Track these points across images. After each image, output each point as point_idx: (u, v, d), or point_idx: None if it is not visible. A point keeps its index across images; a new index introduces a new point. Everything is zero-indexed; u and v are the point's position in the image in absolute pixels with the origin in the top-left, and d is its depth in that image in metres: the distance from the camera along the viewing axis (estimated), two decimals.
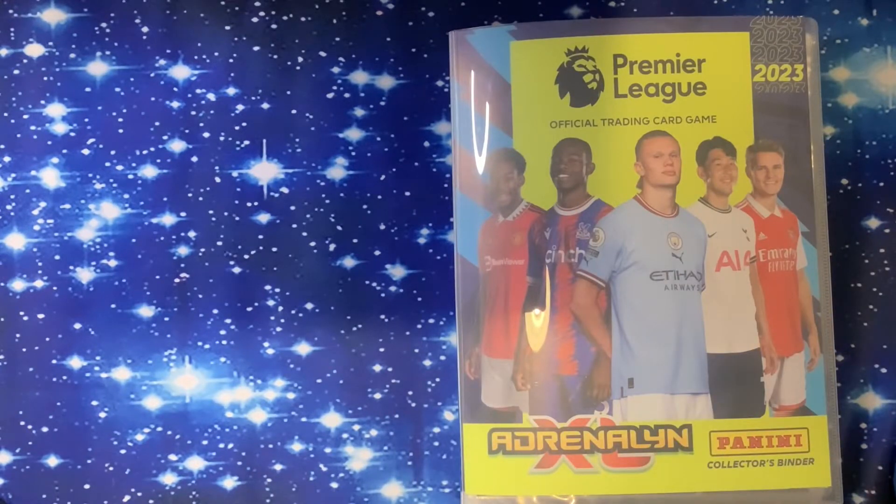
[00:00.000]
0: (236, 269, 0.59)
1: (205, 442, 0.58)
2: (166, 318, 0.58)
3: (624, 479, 0.53)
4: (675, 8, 0.58)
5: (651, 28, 0.55)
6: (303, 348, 0.58)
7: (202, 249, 0.59)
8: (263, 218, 0.59)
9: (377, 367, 0.58)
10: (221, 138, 0.59)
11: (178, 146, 0.59)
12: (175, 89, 0.59)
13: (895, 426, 0.57)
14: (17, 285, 0.58)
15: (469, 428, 0.54)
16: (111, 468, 0.58)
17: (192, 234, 0.59)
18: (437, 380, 0.58)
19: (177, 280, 0.58)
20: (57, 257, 0.59)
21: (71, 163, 0.59)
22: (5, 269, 0.58)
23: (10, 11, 0.59)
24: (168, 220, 0.59)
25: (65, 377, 0.58)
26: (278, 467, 0.58)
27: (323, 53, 0.59)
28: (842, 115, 0.58)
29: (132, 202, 0.59)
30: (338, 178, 0.59)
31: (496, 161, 0.54)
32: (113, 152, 0.59)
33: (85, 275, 0.58)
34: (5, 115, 0.59)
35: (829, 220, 0.55)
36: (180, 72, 0.59)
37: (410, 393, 0.58)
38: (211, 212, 0.59)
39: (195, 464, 0.58)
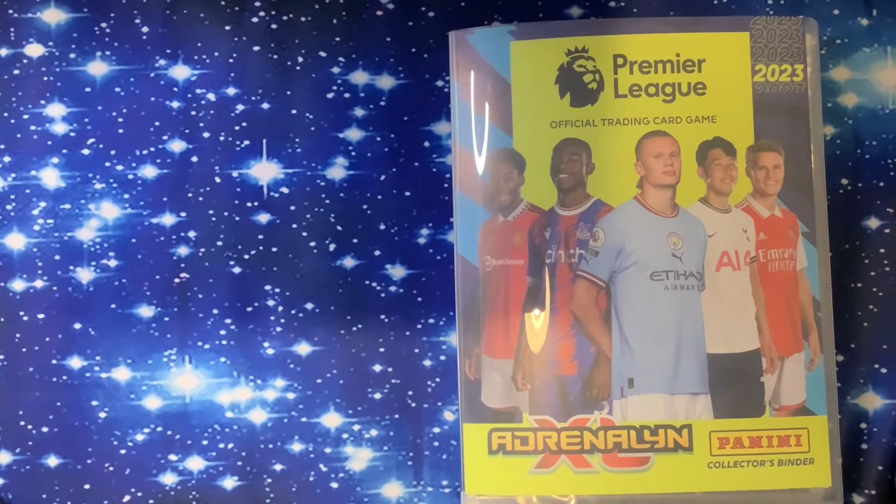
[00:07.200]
0: (236, 269, 0.58)
1: (205, 442, 0.58)
2: (166, 318, 0.58)
3: (624, 479, 0.53)
4: (675, 8, 0.58)
5: (651, 28, 0.55)
6: (303, 348, 0.58)
7: (202, 249, 0.59)
8: (263, 218, 0.59)
9: (377, 367, 0.58)
10: (221, 138, 0.59)
11: (178, 146, 0.59)
12: (175, 89, 0.59)
13: (895, 426, 0.57)
14: (17, 285, 0.58)
15: (469, 428, 0.54)
16: (111, 468, 0.58)
17: (192, 234, 0.59)
18: (437, 380, 0.58)
19: (177, 280, 0.58)
20: (57, 257, 0.59)
21: (71, 163, 0.59)
22: (5, 269, 0.58)
23: (10, 11, 0.59)
24: (168, 220, 0.59)
25: (65, 377, 0.58)
26: (278, 467, 0.58)
27: (323, 53, 0.59)
28: (842, 115, 0.58)
29: (132, 202, 0.59)
30: (338, 178, 0.59)
31: (496, 161, 0.54)
32: (113, 152, 0.59)
33: (85, 275, 0.58)
34: (5, 115, 0.59)
35: (829, 220, 0.55)
36: (180, 72, 0.59)
37: (410, 393, 0.58)
38: (211, 212, 0.59)
39: (195, 464, 0.58)
